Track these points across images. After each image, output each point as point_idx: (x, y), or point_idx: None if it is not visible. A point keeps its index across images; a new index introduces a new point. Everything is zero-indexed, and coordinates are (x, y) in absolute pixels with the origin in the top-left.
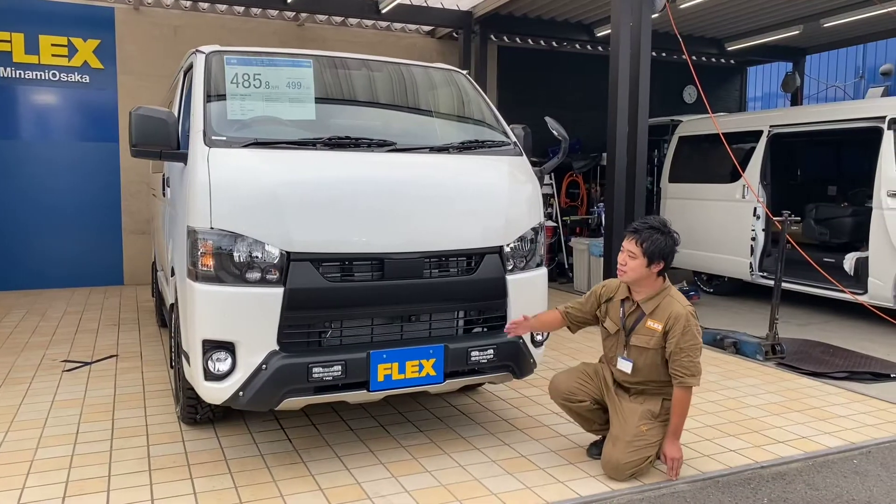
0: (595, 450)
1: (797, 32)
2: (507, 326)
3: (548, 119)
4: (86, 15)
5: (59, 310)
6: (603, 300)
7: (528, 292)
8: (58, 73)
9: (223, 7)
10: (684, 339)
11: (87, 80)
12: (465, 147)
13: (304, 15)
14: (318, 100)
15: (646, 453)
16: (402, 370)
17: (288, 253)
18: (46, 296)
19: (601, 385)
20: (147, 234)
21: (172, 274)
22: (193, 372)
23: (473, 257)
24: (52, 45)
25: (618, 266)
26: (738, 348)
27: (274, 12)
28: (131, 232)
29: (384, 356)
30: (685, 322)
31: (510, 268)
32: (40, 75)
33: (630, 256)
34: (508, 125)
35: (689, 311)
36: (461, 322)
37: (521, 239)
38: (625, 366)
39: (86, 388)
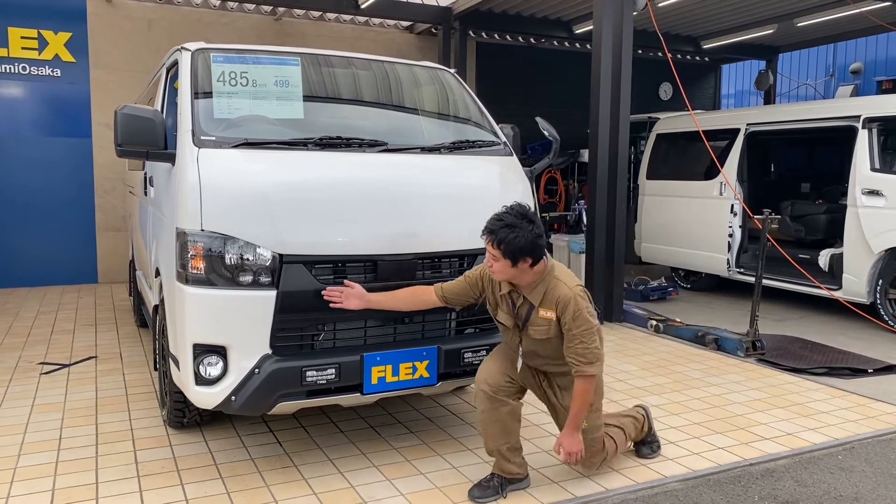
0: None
1: (771, 31)
2: (327, 291)
3: (539, 119)
4: (57, 7)
5: (33, 309)
6: (489, 288)
7: None
8: (28, 67)
9: (198, 0)
10: (575, 325)
11: (59, 74)
12: (457, 147)
13: (281, 9)
14: (307, 98)
15: (601, 442)
16: (395, 372)
17: (280, 255)
18: (18, 295)
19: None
20: (123, 231)
21: (157, 275)
22: (183, 376)
23: (466, 258)
24: (22, 37)
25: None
26: (718, 345)
27: (251, 6)
28: (106, 229)
29: (378, 358)
30: (574, 306)
31: None
32: (10, 69)
33: (493, 258)
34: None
35: (576, 292)
36: (453, 323)
37: None
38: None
39: (66, 392)
